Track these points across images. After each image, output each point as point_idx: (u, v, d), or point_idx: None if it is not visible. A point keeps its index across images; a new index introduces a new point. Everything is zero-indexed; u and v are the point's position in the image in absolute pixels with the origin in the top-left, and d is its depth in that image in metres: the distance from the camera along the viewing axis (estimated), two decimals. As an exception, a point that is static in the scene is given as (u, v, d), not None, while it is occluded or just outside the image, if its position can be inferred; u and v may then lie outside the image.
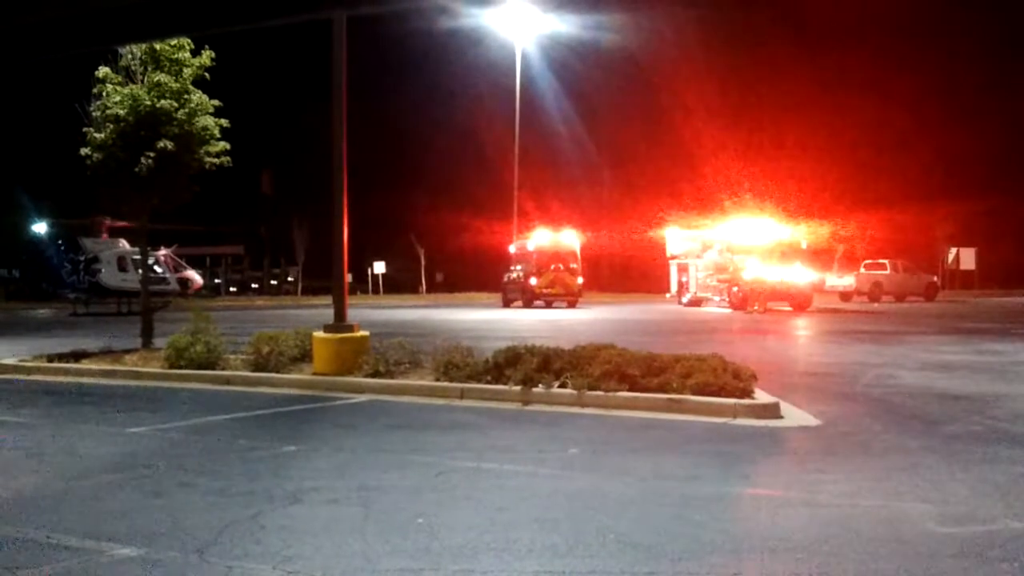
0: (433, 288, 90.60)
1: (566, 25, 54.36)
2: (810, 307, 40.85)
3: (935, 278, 58.06)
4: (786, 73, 71.53)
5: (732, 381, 11.95)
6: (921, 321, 33.44)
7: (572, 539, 6.19)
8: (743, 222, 44.03)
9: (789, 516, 6.82)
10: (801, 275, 41.36)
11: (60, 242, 48.16)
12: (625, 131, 74.74)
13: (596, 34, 58.32)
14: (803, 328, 30.18)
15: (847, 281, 54.63)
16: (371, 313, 35.06)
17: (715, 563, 5.72)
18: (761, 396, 11.96)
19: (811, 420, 11.12)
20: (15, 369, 17.34)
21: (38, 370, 17.09)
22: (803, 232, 44.72)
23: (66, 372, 16.78)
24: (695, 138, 63.55)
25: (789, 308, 40.64)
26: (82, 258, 45.82)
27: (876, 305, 49.22)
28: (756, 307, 39.40)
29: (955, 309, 43.78)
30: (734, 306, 41.15)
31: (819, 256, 49.83)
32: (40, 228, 52.04)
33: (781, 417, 11.25)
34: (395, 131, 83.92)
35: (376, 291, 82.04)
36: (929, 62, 62.65)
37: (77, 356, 17.83)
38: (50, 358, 17.77)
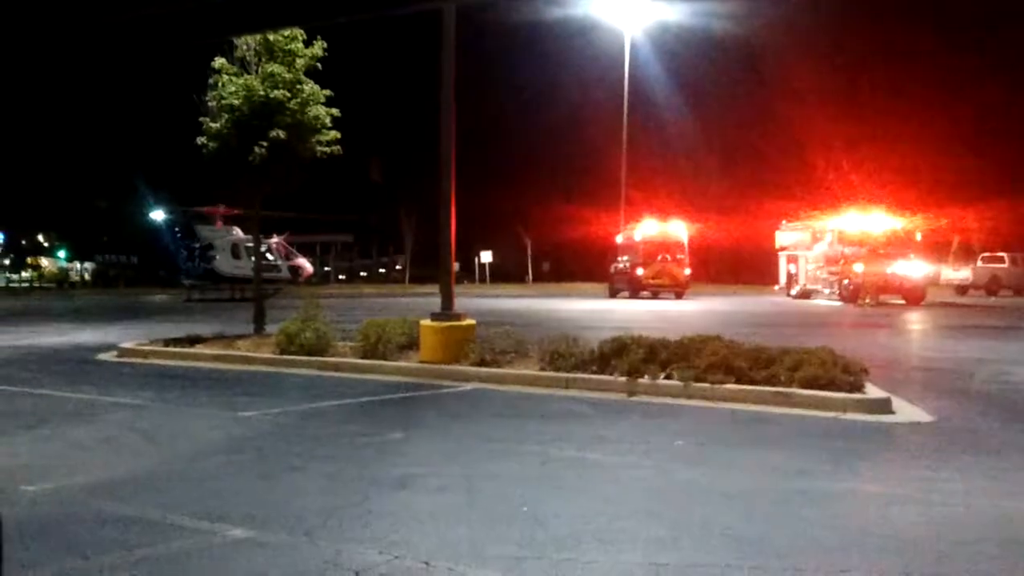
0: (539, 278, 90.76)
1: (675, 13, 53.89)
2: (924, 301, 39.67)
3: (1057, 272, 55.99)
4: (901, 61, 69.64)
5: (842, 375, 11.74)
6: (1041, 316, 32.45)
7: (677, 531, 6.17)
8: (855, 213, 43.01)
9: (899, 514, 6.69)
10: (915, 268, 40.18)
11: (177, 230, 49.46)
12: (735, 120, 73.67)
13: (706, 22, 57.70)
14: (916, 322, 29.48)
15: (963, 274, 52.96)
16: (477, 302, 35.21)
17: (823, 560, 5.64)
18: (872, 391, 11.74)
19: (924, 416, 10.89)
20: (133, 353, 17.86)
21: (154, 354, 17.57)
22: (917, 223, 43.52)
23: (181, 356, 17.24)
24: (807, 128, 62.23)
25: (902, 301, 39.52)
26: (197, 245, 46.98)
27: (993, 299, 47.79)
28: (867, 300, 38.54)
29: (1077, 304, 42.32)
30: (844, 299, 40.19)
31: (934, 248, 48.46)
32: (158, 216, 53.56)
33: (892, 413, 11.03)
34: (504, 121, 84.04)
35: (483, 280, 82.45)
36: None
37: (191, 341, 18.29)
38: (166, 342, 18.29)
